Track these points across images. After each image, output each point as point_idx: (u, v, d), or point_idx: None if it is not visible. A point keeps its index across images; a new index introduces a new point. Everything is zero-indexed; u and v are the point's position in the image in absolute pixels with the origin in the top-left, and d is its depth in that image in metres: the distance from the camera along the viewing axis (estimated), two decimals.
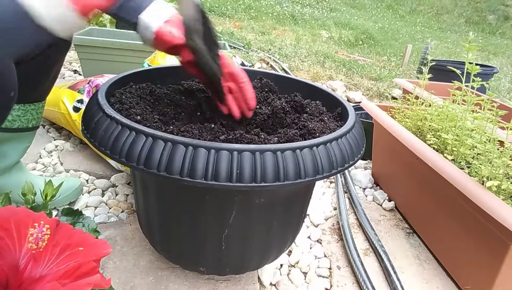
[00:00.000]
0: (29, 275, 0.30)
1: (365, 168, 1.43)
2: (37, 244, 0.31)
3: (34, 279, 0.29)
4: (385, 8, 7.86)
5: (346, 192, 1.23)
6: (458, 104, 1.09)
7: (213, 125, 0.73)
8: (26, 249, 0.30)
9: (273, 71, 1.12)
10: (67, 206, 0.45)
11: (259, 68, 2.77)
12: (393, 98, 2.49)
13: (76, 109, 1.24)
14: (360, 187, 1.30)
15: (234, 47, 3.40)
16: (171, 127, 0.70)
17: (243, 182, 0.57)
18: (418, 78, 3.12)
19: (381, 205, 1.20)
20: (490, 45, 6.18)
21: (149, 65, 1.26)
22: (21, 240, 0.31)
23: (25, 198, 0.54)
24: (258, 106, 0.90)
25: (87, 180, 1.13)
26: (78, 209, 0.66)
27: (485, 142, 0.91)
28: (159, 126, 0.70)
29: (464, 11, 8.41)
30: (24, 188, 0.44)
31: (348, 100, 2.37)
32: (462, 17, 8.18)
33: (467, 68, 1.00)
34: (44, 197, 0.50)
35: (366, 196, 1.25)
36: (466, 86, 1.03)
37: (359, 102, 2.32)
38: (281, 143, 0.67)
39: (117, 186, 1.10)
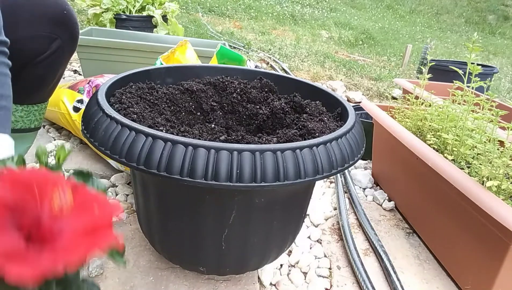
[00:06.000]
0: (50, 231, 0.31)
1: (365, 168, 1.43)
2: (59, 207, 0.33)
3: (54, 235, 0.31)
4: (385, 8, 7.85)
5: (346, 192, 1.23)
6: (459, 104, 1.09)
7: (213, 125, 0.73)
8: (47, 208, 0.32)
9: (273, 71, 1.13)
10: (79, 169, 0.45)
11: (259, 68, 2.77)
12: (393, 98, 2.49)
13: (76, 109, 1.24)
14: (360, 187, 1.30)
15: (234, 47, 3.40)
16: (171, 128, 0.70)
17: (243, 182, 0.57)
18: (418, 78, 3.12)
19: (381, 205, 1.20)
20: (490, 45, 6.18)
21: (162, 63, 1.24)
22: (42, 199, 0.32)
23: (39, 160, 0.55)
24: (258, 106, 0.90)
25: None
26: (88, 172, 0.66)
27: (485, 142, 0.91)
28: (159, 126, 0.70)
29: (464, 11, 8.40)
30: (38, 151, 0.44)
31: (348, 100, 2.37)
32: (462, 17, 8.17)
33: (468, 68, 1.00)
34: (57, 159, 0.51)
35: (366, 196, 1.25)
36: (467, 86, 1.03)
37: (359, 102, 2.32)
38: (281, 143, 0.67)
39: (117, 186, 1.10)
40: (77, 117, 1.22)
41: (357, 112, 1.63)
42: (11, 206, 0.31)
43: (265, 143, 0.66)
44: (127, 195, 1.07)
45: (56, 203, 0.33)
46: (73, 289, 0.36)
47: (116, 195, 1.07)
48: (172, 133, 0.67)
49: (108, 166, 1.19)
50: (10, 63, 0.67)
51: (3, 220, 0.31)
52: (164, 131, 0.66)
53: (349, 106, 0.82)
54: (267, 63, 3.03)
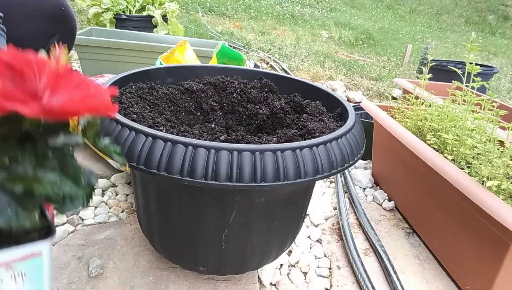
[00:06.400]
0: (47, 102, 0.33)
1: (365, 168, 1.43)
2: (57, 63, 0.35)
3: (52, 105, 0.33)
4: (385, 8, 7.86)
5: (346, 192, 1.23)
6: (459, 104, 1.09)
7: (213, 125, 0.73)
8: (45, 81, 0.34)
9: (273, 71, 1.13)
10: None
11: (258, 66, 2.77)
12: (393, 98, 2.49)
13: None
14: (360, 187, 1.30)
15: (234, 47, 3.40)
16: (171, 128, 0.70)
17: (243, 182, 0.57)
18: (418, 78, 3.12)
19: (381, 205, 1.20)
20: (490, 45, 6.18)
21: (161, 63, 1.24)
22: (40, 74, 0.34)
23: None
24: (258, 106, 0.90)
25: None
26: None
27: (485, 142, 0.91)
28: (159, 126, 0.70)
29: (464, 11, 8.41)
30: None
31: (348, 100, 2.37)
32: (462, 17, 8.18)
33: (468, 68, 1.00)
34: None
35: (366, 196, 1.25)
36: (467, 86, 1.03)
37: (359, 102, 2.32)
38: (281, 143, 0.67)
39: (117, 186, 1.10)
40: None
41: (357, 112, 1.63)
42: (10, 68, 0.32)
43: (265, 143, 0.66)
44: (127, 195, 1.07)
45: (52, 74, 0.34)
46: (70, 170, 0.37)
47: (116, 195, 1.07)
48: (172, 133, 0.67)
49: (108, 166, 1.19)
50: (4, 28, 0.67)
51: (3, 74, 0.32)
52: (164, 131, 0.66)
53: (349, 106, 0.82)
54: (267, 63, 3.03)
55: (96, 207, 1.01)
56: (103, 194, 1.07)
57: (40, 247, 0.46)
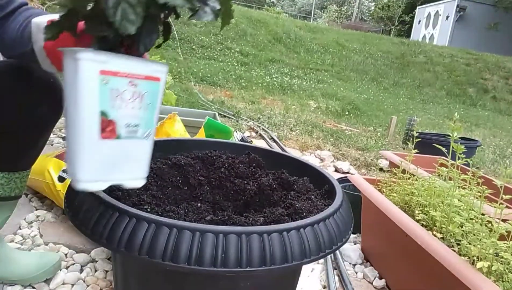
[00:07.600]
0: None
1: (355, 242, 1.40)
2: None
3: None
4: (370, 81, 8.22)
5: (335, 268, 1.20)
6: (445, 179, 1.10)
7: (199, 204, 0.72)
8: None
9: (261, 146, 1.14)
10: None
11: (248, 136, 2.81)
12: (381, 169, 2.51)
13: (61, 179, 1.22)
14: (350, 263, 1.26)
15: (224, 116, 3.48)
16: (156, 206, 0.69)
17: (228, 266, 0.55)
18: (403, 148, 3.19)
19: (371, 283, 1.16)
20: (472, 117, 6.42)
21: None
22: None
23: None
24: (245, 182, 0.90)
25: (66, 254, 1.08)
26: None
27: (472, 219, 0.91)
28: (144, 203, 0.69)
29: (445, 84, 8.83)
30: None
31: (336, 170, 2.39)
32: (444, 89, 8.57)
33: (452, 147, 1.02)
34: None
35: (356, 273, 1.21)
36: (452, 163, 1.04)
37: (347, 172, 2.34)
38: (268, 223, 0.66)
39: (97, 261, 1.05)
40: (61, 187, 1.20)
41: (345, 183, 1.63)
42: None
43: (251, 224, 0.65)
44: (107, 271, 1.02)
45: None
46: None
47: (96, 271, 1.02)
48: (157, 212, 0.65)
49: (88, 239, 1.14)
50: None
51: None
52: (148, 210, 0.65)
53: (336, 184, 0.82)
54: (256, 132, 3.08)
55: (73, 285, 0.95)
56: (81, 270, 1.02)
57: (160, 70, 0.53)
